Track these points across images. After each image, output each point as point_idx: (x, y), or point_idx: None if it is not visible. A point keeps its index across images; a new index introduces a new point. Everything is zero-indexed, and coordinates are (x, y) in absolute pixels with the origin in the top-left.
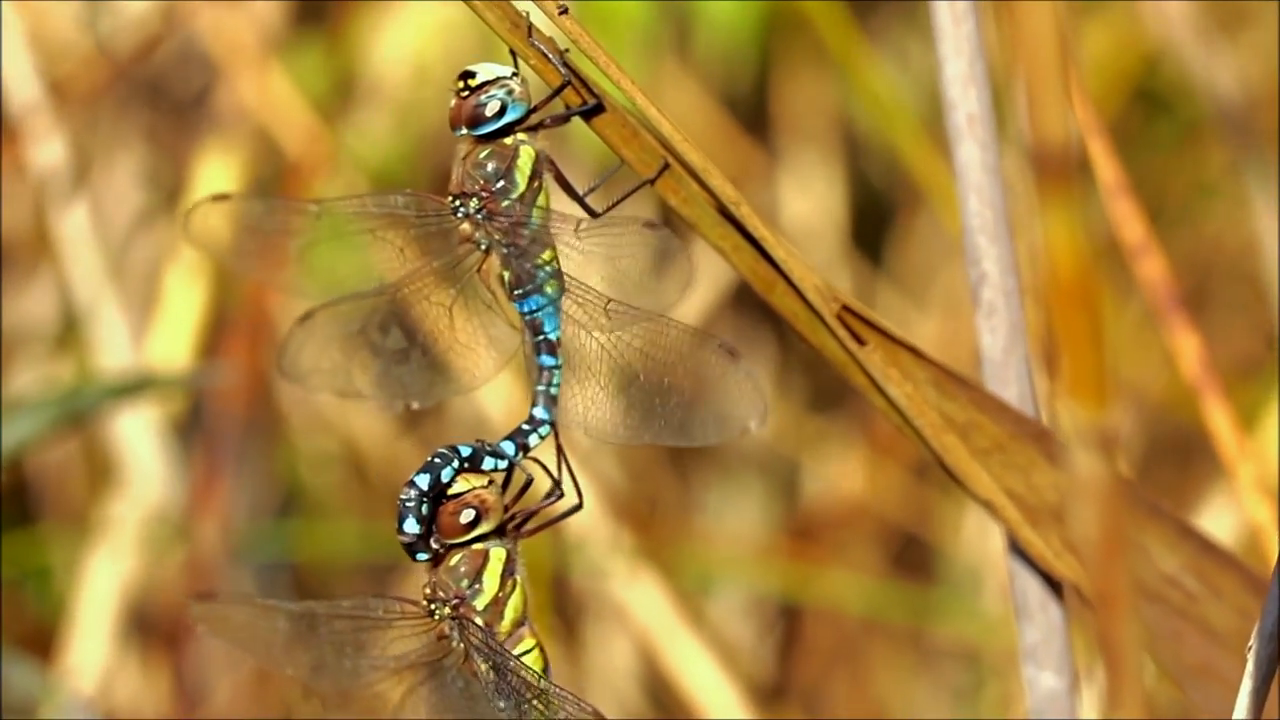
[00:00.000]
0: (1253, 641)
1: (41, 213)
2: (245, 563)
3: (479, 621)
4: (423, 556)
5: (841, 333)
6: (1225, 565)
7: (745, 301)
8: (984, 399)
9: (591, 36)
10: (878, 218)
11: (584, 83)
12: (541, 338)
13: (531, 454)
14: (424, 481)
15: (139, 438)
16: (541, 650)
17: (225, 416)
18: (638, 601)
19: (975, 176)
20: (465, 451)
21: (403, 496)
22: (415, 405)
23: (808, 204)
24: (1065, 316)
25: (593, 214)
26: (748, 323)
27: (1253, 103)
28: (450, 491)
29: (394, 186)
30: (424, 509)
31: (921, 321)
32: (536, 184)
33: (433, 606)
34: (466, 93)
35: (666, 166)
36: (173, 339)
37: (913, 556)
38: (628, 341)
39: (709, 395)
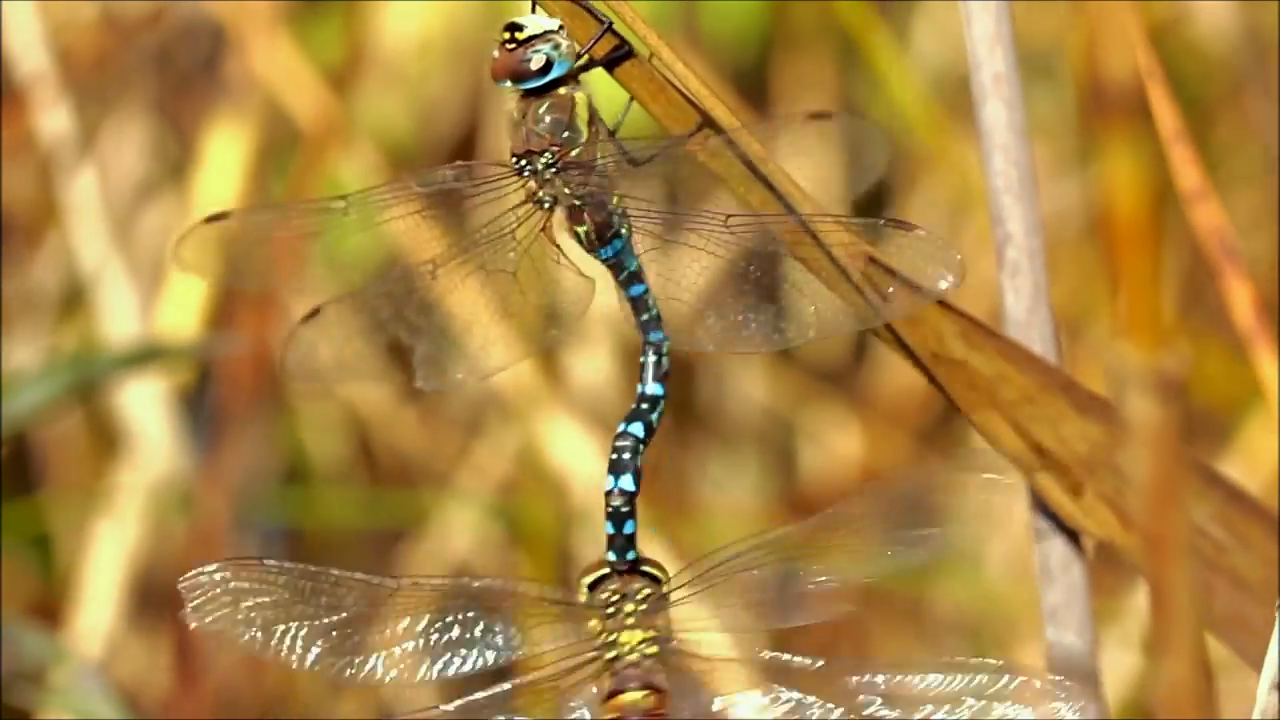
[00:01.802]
0: None
1: (48, 181)
2: (249, 530)
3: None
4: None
5: (867, 288)
6: (1253, 514)
7: None
8: (1012, 349)
9: None
10: (877, 192)
11: (614, 31)
12: (625, 274)
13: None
14: (628, 483)
15: (146, 407)
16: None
17: (233, 386)
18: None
19: (1001, 136)
20: (639, 431)
21: (614, 504)
22: (467, 379)
23: (808, 177)
24: (1124, 258)
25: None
26: None
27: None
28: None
29: (406, 166)
30: (632, 512)
31: None
32: (595, 129)
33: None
34: (513, 44)
35: (701, 127)
36: (180, 308)
37: None
38: (770, 249)
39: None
